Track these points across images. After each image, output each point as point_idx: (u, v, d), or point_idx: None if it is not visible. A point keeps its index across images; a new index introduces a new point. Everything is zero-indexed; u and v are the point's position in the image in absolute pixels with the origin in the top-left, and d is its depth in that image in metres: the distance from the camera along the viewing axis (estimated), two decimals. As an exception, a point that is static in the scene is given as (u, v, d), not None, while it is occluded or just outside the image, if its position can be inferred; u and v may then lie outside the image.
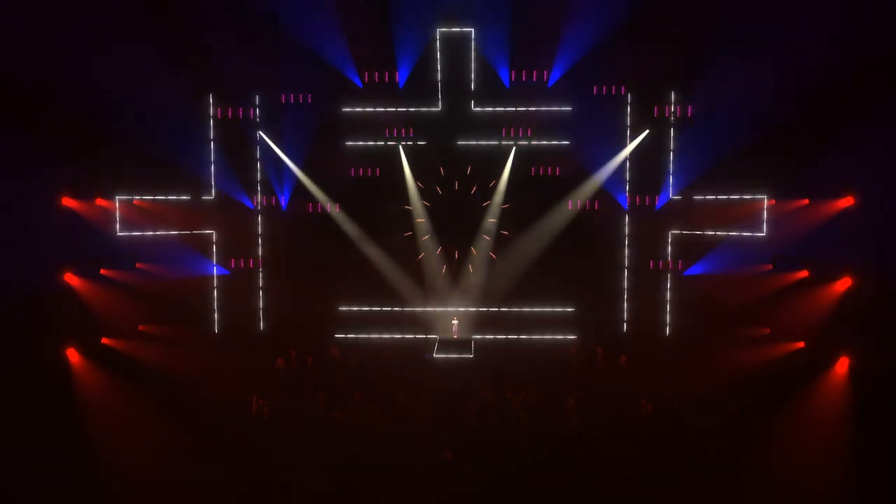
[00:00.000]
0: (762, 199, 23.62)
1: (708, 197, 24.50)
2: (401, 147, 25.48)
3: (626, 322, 25.66)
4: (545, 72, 24.78)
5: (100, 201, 23.71)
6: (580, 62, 24.21)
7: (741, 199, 24.01)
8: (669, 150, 24.87)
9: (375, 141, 25.46)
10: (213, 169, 25.16)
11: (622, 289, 25.63)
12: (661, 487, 16.98)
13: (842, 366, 20.56)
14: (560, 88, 24.79)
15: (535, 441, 19.02)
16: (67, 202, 22.62)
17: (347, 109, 25.18)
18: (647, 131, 24.79)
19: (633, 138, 24.95)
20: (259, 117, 25.34)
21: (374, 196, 25.66)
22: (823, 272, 21.98)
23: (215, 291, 25.62)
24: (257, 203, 25.72)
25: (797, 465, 17.60)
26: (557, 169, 25.41)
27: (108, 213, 23.92)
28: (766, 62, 21.65)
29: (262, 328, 25.87)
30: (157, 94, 22.83)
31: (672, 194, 24.92)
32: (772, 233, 23.45)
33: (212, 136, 25.18)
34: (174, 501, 16.88)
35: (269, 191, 25.70)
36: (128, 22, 21.59)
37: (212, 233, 25.36)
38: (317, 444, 19.14)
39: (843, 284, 21.21)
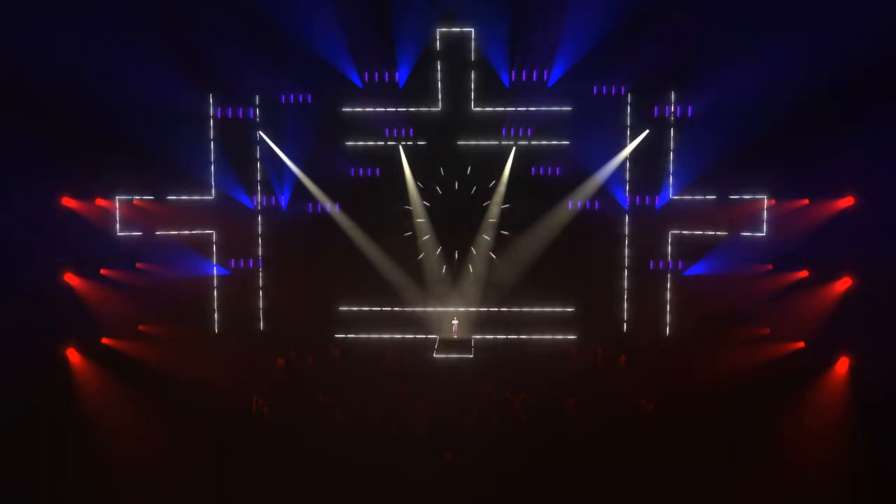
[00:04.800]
0: (762, 199, 23.62)
1: (708, 197, 24.51)
2: (401, 147, 25.49)
3: (626, 322, 25.66)
4: (545, 72, 24.80)
5: (100, 201, 23.71)
6: (580, 62, 24.23)
7: (741, 199, 24.01)
8: (669, 150, 24.89)
9: (375, 141, 25.48)
10: (213, 169, 25.17)
11: (622, 289, 25.64)
12: (660, 487, 16.97)
13: (842, 366, 20.57)
14: (560, 88, 24.79)
15: (535, 441, 18.98)
16: (67, 202, 22.63)
17: (347, 109, 25.18)
18: (647, 131, 24.81)
19: (633, 138, 24.96)
20: (259, 117, 25.35)
21: (374, 196, 25.68)
22: (823, 272, 21.93)
23: (215, 291, 25.63)
24: (257, 203, 25.72)
25: (797, 465, 17.59)
26: (557, 169, 25.45)
27: (108, 213, 23.91)
28: (766, 62, 21.64)
29: (262, 328, 25.89)
30: (158, 94, 22.84)
31: (672, 194, 24.92)
32: (772, 233, 23.44)
33: (212, 136, 25.21)
34: (173, 501, 16.85)
35: (269, 191, 25.71)
36: (128, 22, 21.60)
37: (212, 233, 25.33)
38: (317, 444, 19.12)
39: (843, 284, 21.16)
